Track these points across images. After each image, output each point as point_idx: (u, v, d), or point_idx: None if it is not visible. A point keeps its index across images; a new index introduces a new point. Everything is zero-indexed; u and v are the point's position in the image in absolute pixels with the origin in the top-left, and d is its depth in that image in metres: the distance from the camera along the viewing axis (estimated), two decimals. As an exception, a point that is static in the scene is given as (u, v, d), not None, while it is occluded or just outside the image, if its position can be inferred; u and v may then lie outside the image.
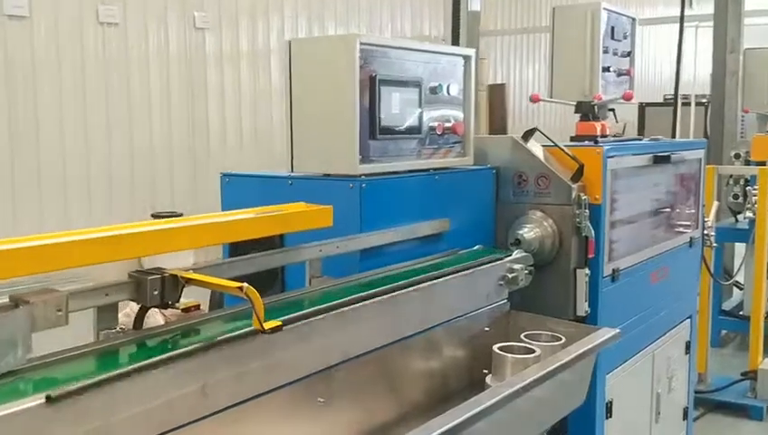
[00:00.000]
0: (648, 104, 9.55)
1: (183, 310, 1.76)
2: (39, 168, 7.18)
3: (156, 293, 1.68)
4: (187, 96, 8.36)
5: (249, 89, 8.96)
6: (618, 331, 2.42)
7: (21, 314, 1.42)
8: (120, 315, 1.80)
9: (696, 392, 4.43)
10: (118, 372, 1.44)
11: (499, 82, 12.60)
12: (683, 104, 8.36)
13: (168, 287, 1.69)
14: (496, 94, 12.12)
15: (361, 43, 2.30)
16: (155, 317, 2.24)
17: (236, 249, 2.49)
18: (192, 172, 8.41)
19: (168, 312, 2.09)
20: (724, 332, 6.57)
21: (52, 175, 7.28)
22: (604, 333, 2.38)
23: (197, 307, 1.77)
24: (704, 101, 8.99)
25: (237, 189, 2.64)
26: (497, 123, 11.86)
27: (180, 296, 1.72)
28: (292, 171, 2.48)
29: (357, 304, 1.96)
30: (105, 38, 7.65)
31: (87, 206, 7.49)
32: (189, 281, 1.70)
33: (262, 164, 8.80)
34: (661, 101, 10.50)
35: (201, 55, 8.50)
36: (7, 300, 1.45)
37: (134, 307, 1.76)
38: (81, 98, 7.45)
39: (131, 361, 1.51)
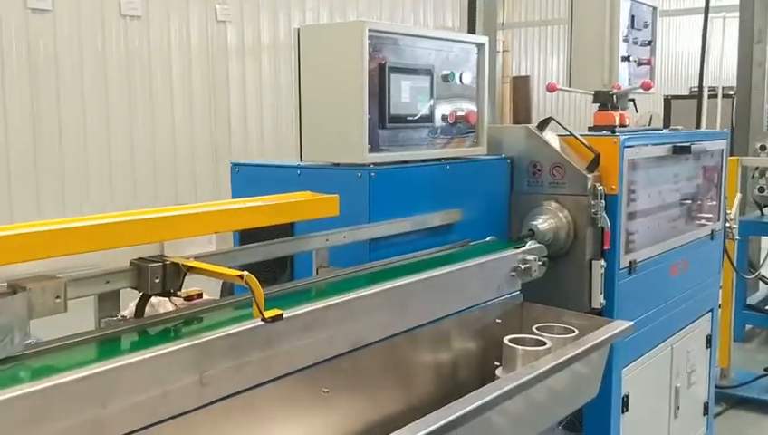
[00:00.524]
0: (674, 97, 9.43)
1: (185, 298, 1.74)
2: (62, 159, 7.27)
3: (157, 280, 1.66)
4: (209, 88, 8.42)
5: (270, 81, 8.99)
6: (631, 323, 2.37)
7: (18, 300, 1.42)
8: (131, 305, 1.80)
9: (717, 388, 4.36)
10: (115, 359, 1.43)
11: (523, 74, 12.52)
12: (710, 96, 8.25)
13: (170, 275, 1.68)
14: (520, 86, 12.07)
15: (370, 30, 2.28)
16: (164, 306, 2.24)
17: (246, 239, 2.48)
18: (213, 163, 8.46)
19: (174, 301, 2.09)
20: (748, 326, 6.47)
21: (74, 166, 7.37)
22: (617, 326, 2.34)
23: (200, 295, 1.76)
24: (731, 93, 8.85)
25: (247, 179, 2.63)
26: (521, 115, 11.82)
27: (182, 284, 1.71)
28: (301, 161, 2.46)
29: (362, 294, 1.93)
30: (127, 31, 7.72)
31: (109, 197, 7.56)
32: (191, 269, 1.69)
33: (282, 156, 8.84)
34: (688, 93, 10.36)
35: (223, 48, 8.55)
36: (5, 286, 1.44)
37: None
38: (102, 91, 7.52)
39: (130, 349, 1.51)
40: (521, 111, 11.93)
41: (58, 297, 1.48)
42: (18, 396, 1.27)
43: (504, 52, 11.09)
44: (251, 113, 9.03)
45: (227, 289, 2.82)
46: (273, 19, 9.17)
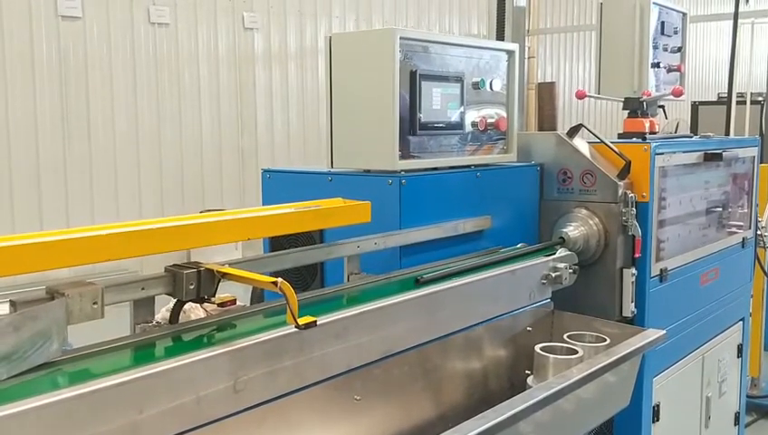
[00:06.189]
0: (702, 103, 9.34)
1: (219, 304, 1.75)
2: (91, 165, 7.33)
3: (192, 287, 1.67)
4: (236, 95, 8.46)
5: (297, 88, 9.02)
6: (664, 332, 2.35)
7: (56, 306, 1.43)
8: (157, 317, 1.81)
9: (748, 397, 4.30)
10: (152, 365, 1.43)
11: (549, 80, 12.46)
12: (738, 103, 8.17)
13: (204, 281, 1.68)
14: (546, 93, 12.00)
15: (401, 38, 2.28)
16: (196, 312, 2.25)
17: (277, 246, 2.49)
18: (240, 170, 8.50)
19: (207, 307, 2.10)
20: (779, 336, 6.38)
21: (103, 171, 7.44)
22: (650, 335, 2.32)
23: (233, 302, 1.76)
24: (760, 99, 8.75)
25: (278, 185, 2.64)
26: (547, 122, 11.74)
27: (216, 291, 1.71)
28: (332, 167, 2.47)
29: (394, 301, 1.93)
30: (156, 38, 7.78)
31: (137, 202, 7.62)
32: (225, 275, 1.70)
33: (309, 162, 8.87)
34: (715, 99, 10.26)
35: (250, 55, 8.59)
36: (43, 292, 1.46)
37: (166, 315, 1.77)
38: (132, 97, 7.58)
39: (166, 355, 1.51)
40: (546, 118, 11.83)
41: (95, 303, 1.49)
42: (57, 401, 1.28)
43: (529, 58, 11.05)
44: (277, 120, 9.06)
45: (257, 296, 2.83)
46: (300, 27, 9.20)
